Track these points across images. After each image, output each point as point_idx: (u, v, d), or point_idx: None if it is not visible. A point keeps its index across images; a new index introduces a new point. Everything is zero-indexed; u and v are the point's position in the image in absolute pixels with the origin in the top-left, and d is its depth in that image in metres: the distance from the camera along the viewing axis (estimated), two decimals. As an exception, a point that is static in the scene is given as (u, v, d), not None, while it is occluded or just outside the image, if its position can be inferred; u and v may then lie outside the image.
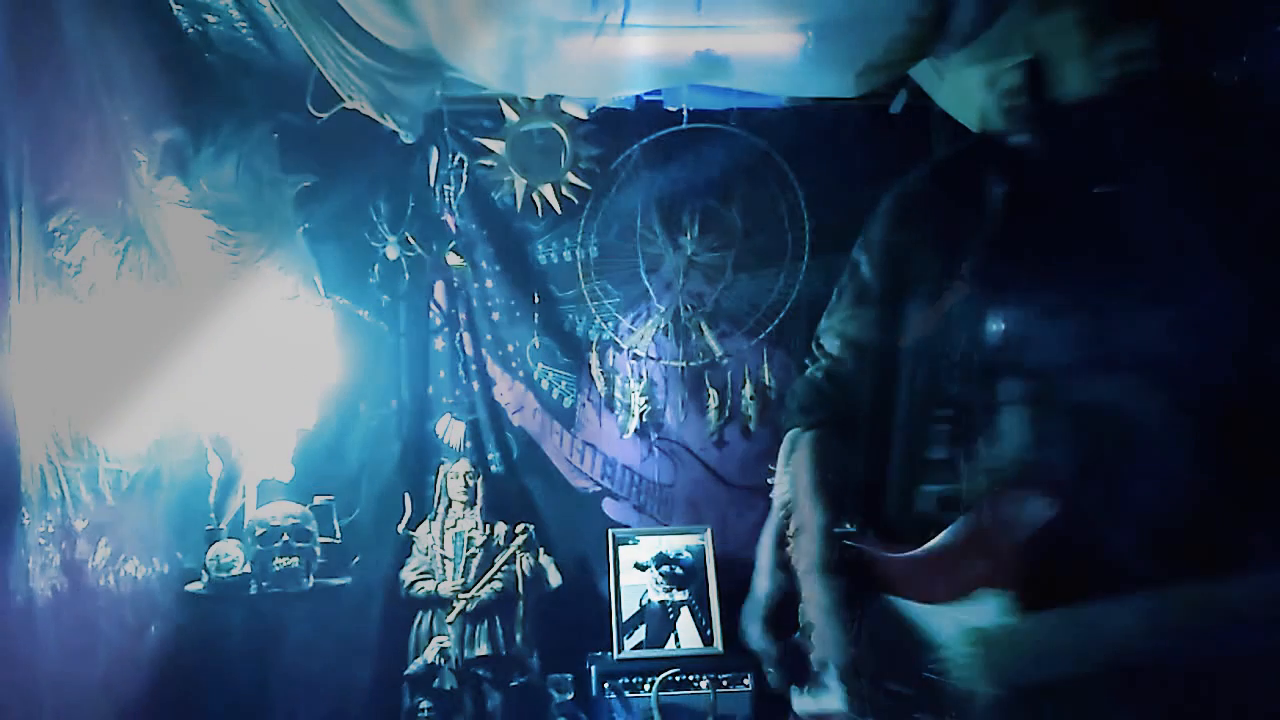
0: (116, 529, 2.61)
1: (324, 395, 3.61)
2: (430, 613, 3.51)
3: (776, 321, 3.88)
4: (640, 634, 3.53)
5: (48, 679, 2.20)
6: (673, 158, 3.88)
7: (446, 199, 3.90)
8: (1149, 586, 0.99)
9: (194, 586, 3.17)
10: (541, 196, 3.85)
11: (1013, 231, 1.31)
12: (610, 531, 3.68)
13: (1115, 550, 1.11)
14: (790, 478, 1.57)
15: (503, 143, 3.79)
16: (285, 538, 3.23)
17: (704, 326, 3.92)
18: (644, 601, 3.58)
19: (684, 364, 3.93)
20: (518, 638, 3.45)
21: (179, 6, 2.85)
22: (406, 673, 3.43)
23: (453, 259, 3.88)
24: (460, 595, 3.44)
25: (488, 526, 3.59)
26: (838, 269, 1.61)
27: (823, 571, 1.46)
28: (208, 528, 3.29)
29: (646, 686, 3.34)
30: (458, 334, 3.95)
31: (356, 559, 3.56)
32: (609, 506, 3.92)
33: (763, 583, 1.59)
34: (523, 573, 3.48)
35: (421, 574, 3.54)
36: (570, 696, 3.40)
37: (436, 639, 3.43)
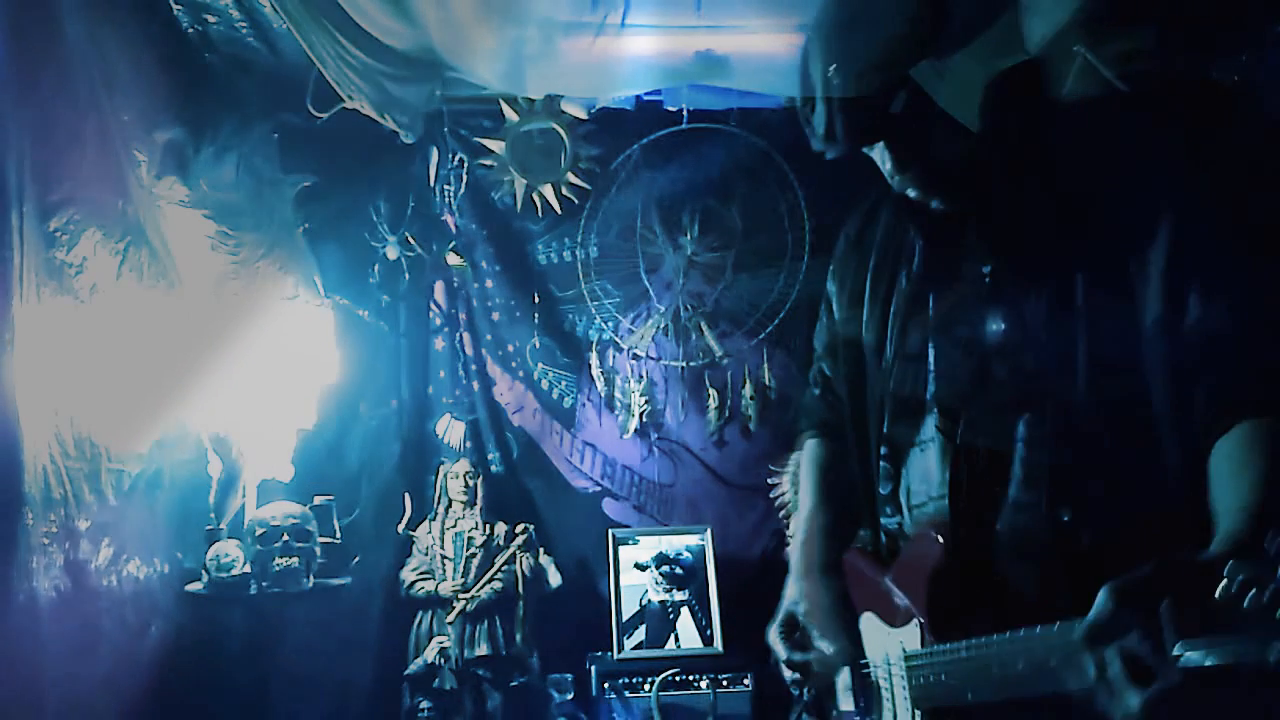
0: (119, 529, 2.60)
1: (324, 395, 3.61)
2: (430, 613, 3.51)
3: (776, 321, 3.88)
4: (640, 634, 3.52)
5: (50, 678, 2.20)
6: (673, 158, 3.88)
7: (446, 199, 3.90)
8: (1042, 620, 1.01)
9: (194, 586, 3.16)
10: (541, 196, 3.85)
11: (930, 280, 1.37)
12: (610, 531, 3.68)
13: (1016, 583, 1.19)
14: (791, 478, 1.62)
15: (503, 143, 3.79)
16: (285, 538, 3.23)
17: (704, 326, 3.92)
18: (644, 601, 3.57)
19: (684, 364, 3.93)
20: (518, 638, 3.45)
21: (179, 6, 2.86)
22: (406, 673, 3.43)
23: (453, 259, 3.88)
24: (460, 595, 3.44)
25: (488, 526, 3.60)
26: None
27: (823, 572, 1.49)
28: (208, 528, 3.28)
29: (646, 686, 3.33)
30: (458, 334, 3.95)
31: (356, 559, 3.56)
32: (609, 506, 3.92)
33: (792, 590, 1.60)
34: (523, 573, 3.47)
35: (421, 574, 3.55)
36: (570, 696, 3.40)
37: (436, 639, 3.43)
